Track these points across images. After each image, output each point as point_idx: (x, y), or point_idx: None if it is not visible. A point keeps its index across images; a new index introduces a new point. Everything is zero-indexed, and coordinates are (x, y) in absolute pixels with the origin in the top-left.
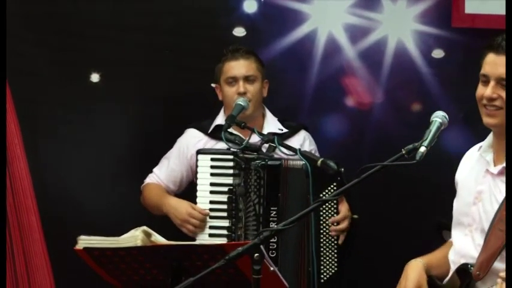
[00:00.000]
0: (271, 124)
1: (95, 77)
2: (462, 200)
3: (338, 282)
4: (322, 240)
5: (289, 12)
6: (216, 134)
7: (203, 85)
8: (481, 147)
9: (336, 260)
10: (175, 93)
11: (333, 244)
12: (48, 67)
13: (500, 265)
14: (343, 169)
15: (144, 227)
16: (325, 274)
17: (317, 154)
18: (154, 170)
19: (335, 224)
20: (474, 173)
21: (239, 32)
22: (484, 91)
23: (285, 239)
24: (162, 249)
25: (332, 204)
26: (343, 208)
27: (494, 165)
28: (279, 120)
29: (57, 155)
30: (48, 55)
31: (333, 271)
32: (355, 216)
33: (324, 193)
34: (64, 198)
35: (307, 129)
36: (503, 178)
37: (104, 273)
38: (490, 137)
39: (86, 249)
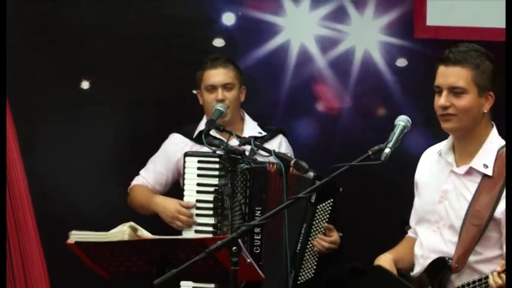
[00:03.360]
0: (251, 128)
1: (85, 84)
2: (426, 198)
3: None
4: (308, 246)
5: (264, 24)
6: (200, 138)
7: (185, 91)
8: (440, 149)
9: (315, 267)
10: (160, 99)
11: (315, 253)
12: (43, 74)
13: (473, 258)
14: (341, 189)
15: (131, 223)
16: (302, 277)
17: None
18: (141, 172)
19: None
20: (436, 173)
21: (218, 42)
22: (438, 102)
23: (272, 238)
24: (148, 243)
25: (325, 216)
26: (335, 235)
27: (457, 166)
28: (259, 125)
29: (50, 156)
30: (43, 63)
31: (309, 276)
32: (340, 234)
33: (322, 205)
34: (57, 197)
35: (285, 134)
36: (470, 177)
37: (93, 265)
38: (449, 140)
39: (77, 243)
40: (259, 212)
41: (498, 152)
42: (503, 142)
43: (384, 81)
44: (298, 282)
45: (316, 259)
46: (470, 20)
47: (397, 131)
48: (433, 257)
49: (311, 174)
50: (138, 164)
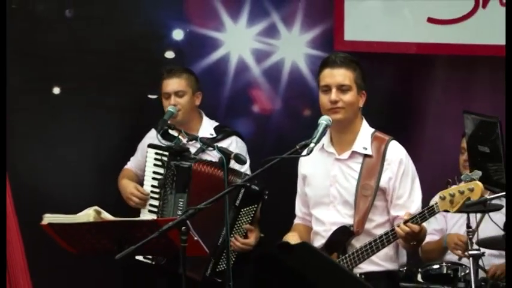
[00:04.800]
0: (205, 129)
1: (56, 90)
2: (318, 186)
3: (228, 276)
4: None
5: (208, 39)
6: (165, 135)
7: (142, 96)
8: (321, 146)
9: (234, 259)
10: (120, 103)
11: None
12: (20, 81)
13: (368, 225)
14: (267, 194)
15: (96, 207)
16: (221, 266)
17: (247, 155)
18: (131, 158)
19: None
20: (321, 164)
21: (169, 54)
22: (327, 98)
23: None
24: (110, 224)
25: (247, 219)
26: (253, 237)
27: (339, 154)
28: (217, 127)
29: (27, 151)
30: (21, 72)
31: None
32: (262, 235)
33: (245, 209)
34: (33, 188)
35: (239, 136)
36: (353, 160)
37: (63, 243)
38: (327, 136)
39: (50, 224)
40: (181, 202)
41: (372, 136)
42: (372, 129)
43: (309, 87)
44: (217, 270)
45: (235, 253)
46: (383, 35)
47: (320, 129)
48: (335, 228)
49: (238, 181)
50: (102, 158)
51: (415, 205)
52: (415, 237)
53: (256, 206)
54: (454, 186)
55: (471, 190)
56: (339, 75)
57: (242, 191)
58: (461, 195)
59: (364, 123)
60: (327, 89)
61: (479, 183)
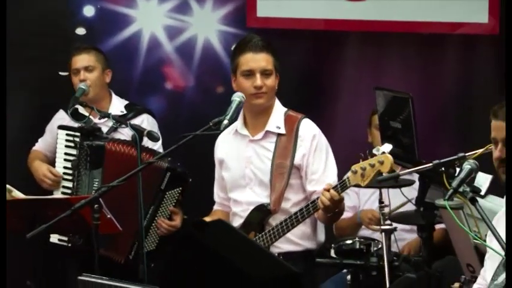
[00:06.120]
0: (116, 107)
1: None
2: (234, 169)
3: (151, 258)
4: (153, 225)
5: (119, 15)
6: (75, 115)
7: (53, 73)
8: (233, 129)
9: (157, 241)
10: (31, 80)
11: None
12: None
13: (284, 204)
14: (190, 179)
15: (6, 185)
16: (145, 248)
17: (158, 132)
18: (39, 139)
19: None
20: (236, 147)
21: (80, 31)
22: (251, 83)
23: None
24: (21, 202)
25: (172, 201)
26: (178, 219)
27: (253, 136)
28: (128, 104)
29: None
30: None
31: (152, 248)
32: (185, 216)
33: (170, 192)
34: None
35: (150, 113)
36: (267, 140)
37: None
38: (240, 119)
39: None
40: (97, 182)
41: (285, 115)
42: (285, 109)
43: (222, 63)
44: (140, 252)
45: (159, 236)
46: (295, 12)
47: (233, 105)
48: (252, 208)
49: (165, 164)
50: (15, 137)
51: (330, 179)
52: (335, 206)
53: (180, 188)
54: (365, 161)
55: (381, 163)
56: (262, 60)
57: (168, 174)
58: (372, 168)
59: (277, 102)
60: (250, 73)
61: (389, 156)
